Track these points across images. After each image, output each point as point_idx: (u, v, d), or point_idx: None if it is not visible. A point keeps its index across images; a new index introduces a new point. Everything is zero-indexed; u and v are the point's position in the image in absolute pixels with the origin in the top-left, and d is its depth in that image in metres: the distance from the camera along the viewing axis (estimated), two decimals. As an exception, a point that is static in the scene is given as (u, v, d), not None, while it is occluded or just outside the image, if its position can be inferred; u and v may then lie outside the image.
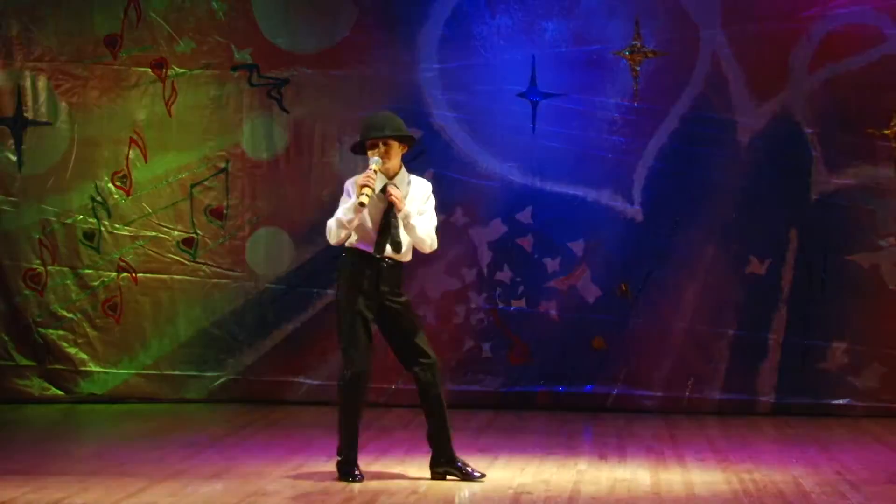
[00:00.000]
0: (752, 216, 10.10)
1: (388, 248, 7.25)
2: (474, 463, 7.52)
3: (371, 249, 7.26)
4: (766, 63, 10.09)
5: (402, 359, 7.37)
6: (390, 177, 7.27)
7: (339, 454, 7.36)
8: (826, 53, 10.05)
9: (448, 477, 7.36)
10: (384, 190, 7.26)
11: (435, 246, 7.40)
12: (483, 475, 7.36)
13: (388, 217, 7.26)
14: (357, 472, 7.30)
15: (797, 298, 10.08)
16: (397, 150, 7.27)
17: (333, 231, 7.26)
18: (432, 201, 7.38)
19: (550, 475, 7.63)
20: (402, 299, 7.32)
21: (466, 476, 7.33)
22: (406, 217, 7.23)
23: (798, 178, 10.08)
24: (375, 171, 7.17)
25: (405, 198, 7.27)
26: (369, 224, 7.26)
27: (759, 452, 8.49)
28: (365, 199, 7.11)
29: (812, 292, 10.07)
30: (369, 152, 7.25)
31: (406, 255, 7.34)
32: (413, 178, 7.38)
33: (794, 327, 10.08)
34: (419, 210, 7.30)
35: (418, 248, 7.36)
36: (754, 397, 10.11)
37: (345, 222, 7.20)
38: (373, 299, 7.26)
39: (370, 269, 7.25)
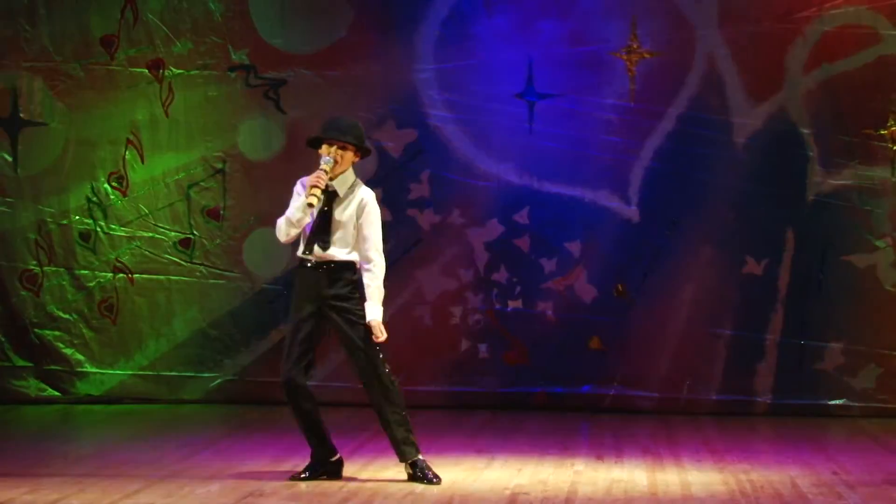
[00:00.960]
0: (748, 216, 10.11)
1: (317, 248, 7.21)
2: (472, 464, 7.53)
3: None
4: (762, 64, 10.10)
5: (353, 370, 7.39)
6: (332, 179, 7.22)
7: None
8: (822, 54, 10.06)
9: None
10: (325, 190, 7.20)
11: (383, 264, 7.22)
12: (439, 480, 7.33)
13: (322, 218, 7.22)
14: (298, 473, 7.35)
15: (794, 299, 10.09)
16: (351, 157, 7.26)
17: (283, 229, 7.25)
18: (372, 213, 7.21)
19: (547, 476, 7.64)
20: (349, 307, 7.16)
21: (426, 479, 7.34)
22: (378, 320, 7.13)
23: (794, 179, 10.09)
24: (326, 172, 7.18)
25: (344, 200, 7.21)
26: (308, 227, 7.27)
27: (755, 453, 8.50)
28: (314, 200, 7.12)
29: (808, 293, 10.07)
30: (324, 148, 7.24)
31: (339, 255, 7.20)
32: (358, 185, 7.28)
33: (791, 328, 10.09)
34: (352, 221, 7.19)
35: None
36: (751, 398, 10.12)
37: (294, 221, 7.21)
38: (315, 304, 7.23)
39: (312, 273, 7.24)
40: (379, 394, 7.27)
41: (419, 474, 7.29)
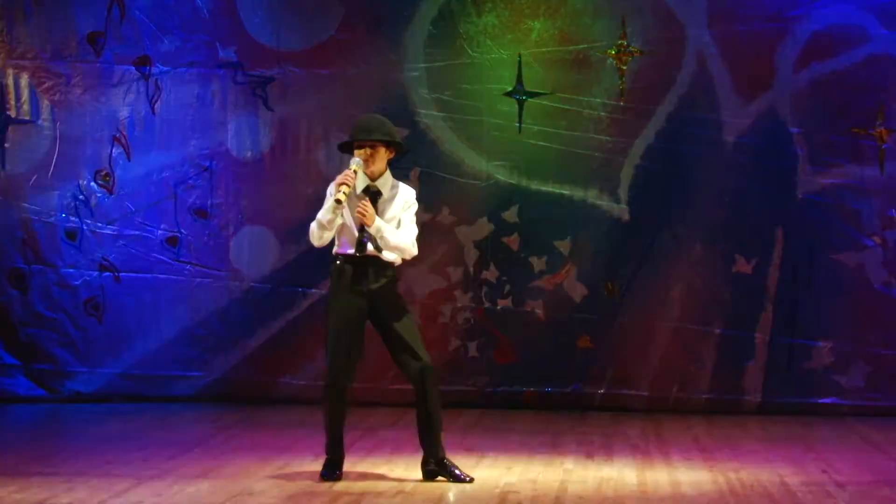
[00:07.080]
0: (738, 215, 10.12)
1: (370, 246, 7.23)
2: (461, 463, 7.50)
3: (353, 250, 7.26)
4: (751, 63, 10.11)
5: (394, 359, 7.34)
6: (373, 179, 7.28)
7: (326, 452, 7.37)
8: (811, 53, 10.09)
9: (438, 478, 7.33)
10: (367, 191, 7.26)
11: (414, 252, 7.36)
12: (471, 479, 7.33)
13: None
14: (336, 473, 7.29)
15: (783, 297, 10.10)
16: (383, 155, 7.29)
17: (315, 233, 7.26)
18: (413, 209, 7.36)
19: (537, 474, 7.63)
20: (394, 299, 7.29)
21: (454, 478, 7.30)
22: (378, 231, 7.20)
23: (784, 178, 10.11)
24: (355, 172, 7.19)
25: (389, 200, 7.26)
26: (352, 225, 7.26)
27: (745, 451, 8.50)
28: (342, 197, 7.13)
29: (798, 291, 10.09)
30: (355, 152, 7.27)
31: (391, 255, 7.29)
32: (399, 184, 7.38)
33: (781, 326, 10.10)
34: (397, 217, 7.28)
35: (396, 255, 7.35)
36: (740, 396, 10.12)
37: (324, 223, 7.22)
38: (362, 300, 7.24)
39: (357, 270, 7.25)
40: (420, 374, 7.21)
41: (446, 472, 7.27)
